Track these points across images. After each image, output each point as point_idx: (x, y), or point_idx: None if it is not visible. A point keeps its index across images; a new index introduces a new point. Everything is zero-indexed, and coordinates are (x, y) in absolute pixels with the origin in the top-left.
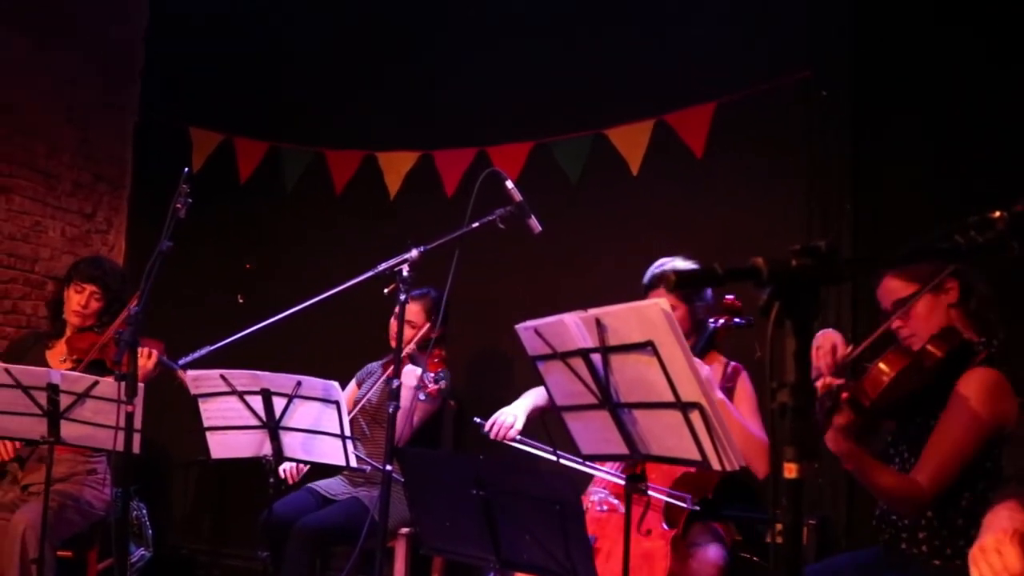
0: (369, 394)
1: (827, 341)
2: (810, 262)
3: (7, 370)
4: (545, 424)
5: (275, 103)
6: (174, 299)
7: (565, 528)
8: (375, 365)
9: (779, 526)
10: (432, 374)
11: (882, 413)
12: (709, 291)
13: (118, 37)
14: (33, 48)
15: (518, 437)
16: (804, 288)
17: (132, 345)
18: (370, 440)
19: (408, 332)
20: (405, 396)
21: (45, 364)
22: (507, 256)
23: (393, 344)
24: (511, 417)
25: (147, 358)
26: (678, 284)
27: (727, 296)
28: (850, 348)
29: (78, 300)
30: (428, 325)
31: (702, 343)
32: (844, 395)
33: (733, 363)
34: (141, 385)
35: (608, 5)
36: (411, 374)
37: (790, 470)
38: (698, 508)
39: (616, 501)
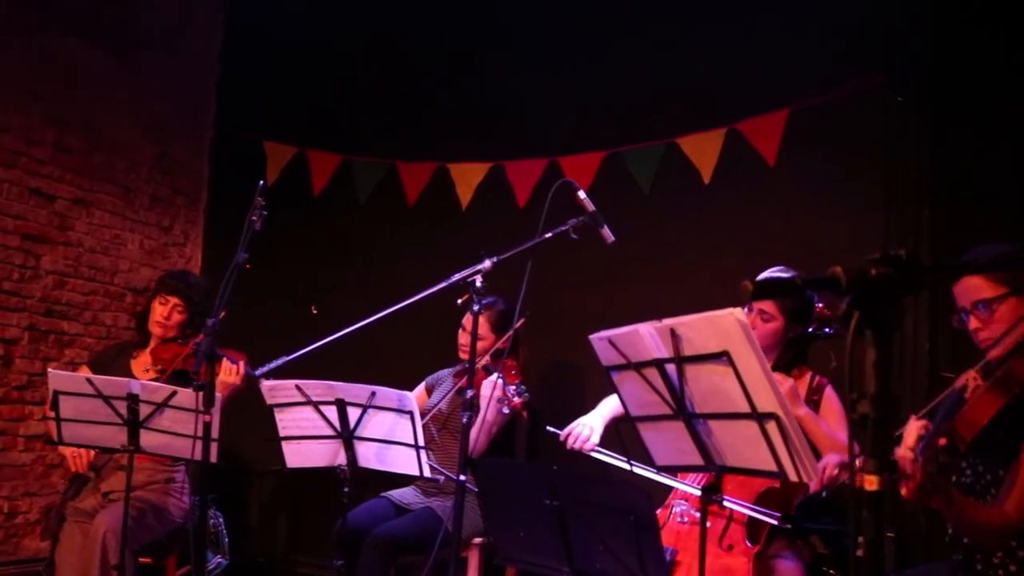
0: (440, 403)
1: (909, 437)
2: (890, 271)
3: (89, 380)
4: (620, 434)
5: (348, 116)
6: (249, 310)
7: (639, 538)
8: (445, 372)
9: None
10: (513, 386)
11: (972, 448)
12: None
13: (194, 52)
14: (112, 64)
15: (596, 448)
16: (884, 297)
17: (209, 356)
18: (440, 448)
19: (478, 343)
20: (485, 407)
21: (129, 374)
22: (579, 266)
23: (461, 355)
24: (587, 428)
25: (235, 374)
26: (755, 294)
27: (817, 305)
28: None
29: (161, 312)
30: (495, 336)
31: (790, 354)
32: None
33: (819, 377)
34: (220, 396)
35: (678, 13)
36: (492, 385)
37: (871, 482)
38: (788, 526)
39: (698, 514)
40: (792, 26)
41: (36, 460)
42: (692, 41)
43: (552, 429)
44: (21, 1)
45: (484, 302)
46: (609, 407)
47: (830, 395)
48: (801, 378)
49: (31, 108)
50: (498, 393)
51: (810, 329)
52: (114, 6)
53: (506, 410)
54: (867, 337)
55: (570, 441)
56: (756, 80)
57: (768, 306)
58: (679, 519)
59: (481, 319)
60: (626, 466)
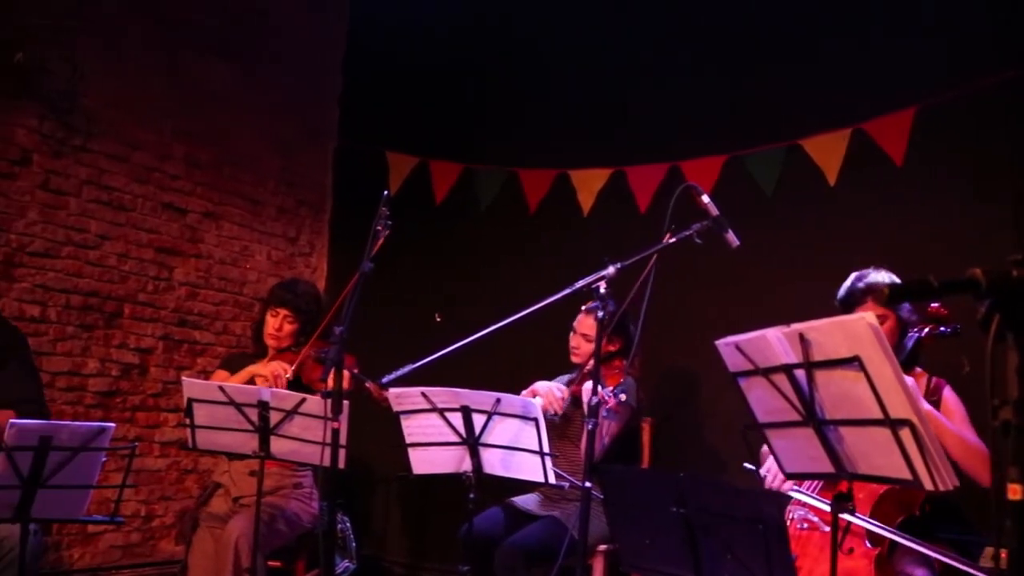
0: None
1: None
2: None
3: (221, 388)
4: (747, 442)
5: (469, 125)
6: (374, 318)
7: (768, 548)
8: (564, 379)
9: (993, 550)
10: (610, 388)
11: None
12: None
13: (317, 66)
14: (238, 80)
15: (794, 487)
16: None
17: (337, 364)
18: (560, 454)
19: (588, 346)
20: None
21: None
22: (702, 271)
23: (573, 359)
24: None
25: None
26: (891, 298)
27: (931, 304)
28: None
29: (273, 324)
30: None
31: (904, 356)
32: None
33: (935, 378)
34: (346, 402)
35: (800, 13)
36: (589, 391)
37: (1015, 491)
38: (899, 538)
39: (817, 519)
40: (918, 21)
41: (171, 465)
42: (814, 41)
43: (749, 466)
44: (152, 21)
45: (588, 306)
46: None
47: (949, 396)
48: (918, 380)
49: (162, 124)
50: (591, 398)
51: (926, 330)
52: (241, 24)
53: (604, 413)
54: (1008, 341)
55: (769, 479)
56: (881, 79)
57: (881, 310)
58: (799, 525)
59: (591, 321)
60: (825, 507)
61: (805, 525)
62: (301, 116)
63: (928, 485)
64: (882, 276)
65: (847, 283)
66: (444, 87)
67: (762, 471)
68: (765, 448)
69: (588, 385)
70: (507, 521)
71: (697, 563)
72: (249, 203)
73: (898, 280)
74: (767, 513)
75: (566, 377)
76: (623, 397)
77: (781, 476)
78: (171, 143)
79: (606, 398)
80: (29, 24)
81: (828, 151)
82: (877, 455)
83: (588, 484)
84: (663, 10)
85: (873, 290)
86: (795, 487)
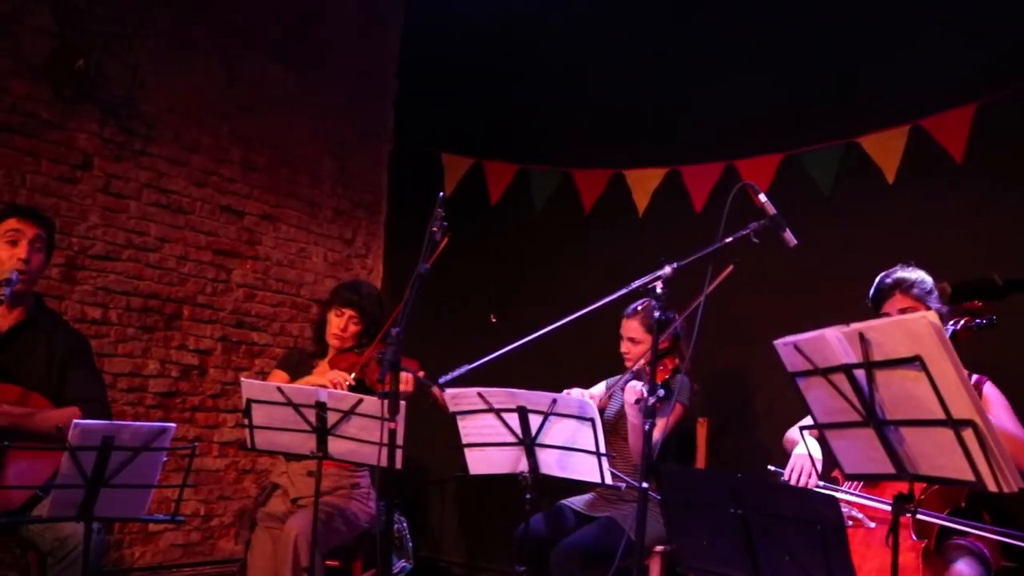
0: (607, 412)
1: None
2: None
3: (280, 389)
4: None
5: (523, 126)
6: (430, 319)
7: (826, 550)
8: (611, 381)
9: None
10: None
11: None
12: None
13: (372, 69)
14: (294, 82)
15: (820, 484)
16: None
17: (394, 365)
18: (615, 454)
19: (636, 349)
20: (631, 414)
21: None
22: (759, 270)
23: (627, 364)
24: (808, 460)
25: (407, 382)
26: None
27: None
28: None
29: (337, 324)
30: (651, 338)
31: None
32: None
33: (976, 375)
34: (402, 403)
35: (856, 8)
36: (631, 391)
37: None
38: (947, 523)
39: (861, 516)
40: (978, 16)
41: (229, 465)
42: (871, 37)
43: (773, 468)
44: (209, 27)
45: (633, 306)
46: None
47: (990, 391)
48: None
49: (219, 128)
50: (634, 396)
51: (961, 323)
52: (296, 28)
53: (640, 409)
54: None
55: (794, 477)
56: (940, 75)
57: (910, 301)
58: (846, 522)
59: (635, 323)
60: (885, 507)
61: (850, 523)
62: (356, 118)
63: (992, 487)
64: (908, 271)
65: (875, 283)
66: (498, 88)
67: (785, 473)
68: (789, 435)
69: (633, 384)
70: (563, 522)
71: (755, 564)
72: (305, 205)
73: (927, 276)
74: (824, 514)
75: (613, 380)
76: (661, 393)
77: (806, 471)
78: (228, 146)
79: (645, 396)
80: (90, 31)
81: (887, 149)
82: (939, 456)
83: (645, 485)
84: (718, 10)
85: (901, 284)
86: (824, 485)
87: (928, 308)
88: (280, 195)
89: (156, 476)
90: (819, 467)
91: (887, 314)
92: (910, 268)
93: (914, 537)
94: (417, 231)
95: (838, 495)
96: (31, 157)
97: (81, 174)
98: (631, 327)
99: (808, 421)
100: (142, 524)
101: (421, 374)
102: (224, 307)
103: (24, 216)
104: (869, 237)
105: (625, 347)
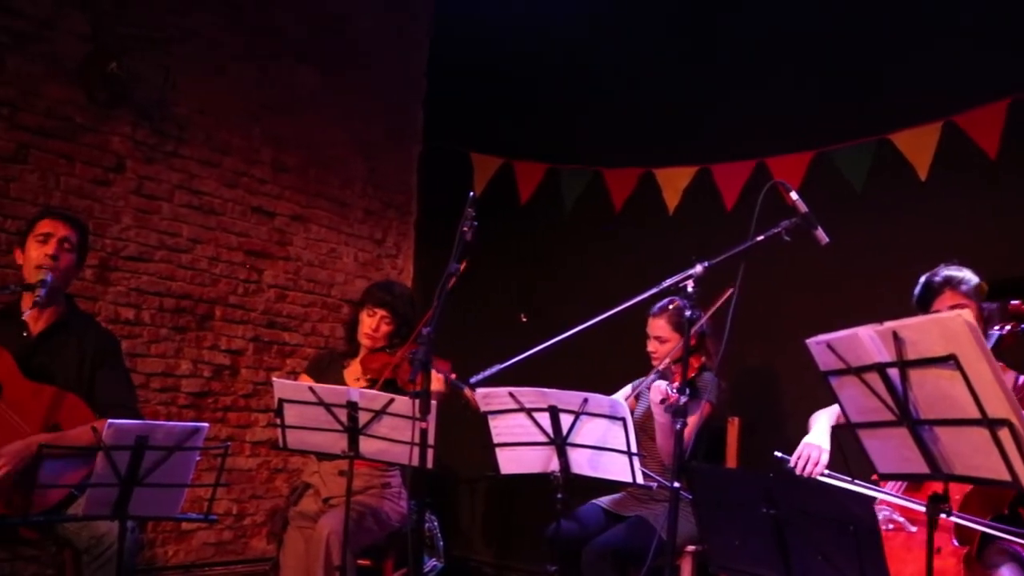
0: (635, 412)
1: None
2: None
3: (311, 388)
4: (839, 442)
5: (552, 125)
6: (460, 319)
7: (860, 551)
8: (638, 382)
9: None
10: (675, 384)
11: None
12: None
13: (402, 69)
14: (323, 82)
15: (826, 472)
16: None
17: (425, 365)
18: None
19: (662, 348)
20: (657, 413)
21: (342, 383)
22: (790, 269)
23: (655, 364)
24: (816, 450)
25: (440, 382)
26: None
27: (1012, 301)
28: None
29: (370, 324)
30: (678, 336)
31: None
32: None
33: (1022, 376)
34: (434, 403)
35: (887, 5)
36: (656, 390)
37: None
38: (989, 530)
39: (902, 519)
40: (1010, 12)
41: (261, 465)
42: (902, 30)
43: (780, 455)
44: (240, 29)
45: (659, 304)
46: (825, 423)
47: None
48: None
49: (250, 130)
50: (659, 395)
51: (1007, 327)
52: (326, 30)
53: (665, 409)
54: None
55: (800, 465)
56: (973, 70)
57: (961, 299)
58: (884, 526)
59: (662, 322)
60: (919, 507)
61: (891, 526)
62: (386, 119)
63: None
64: (955, 270)
65: (921, 280)
66: (527, 87)
67: (792, 460)
68: (811, 420)
69: (658, 383)
70: (594, 521)
71: (787, 564)
72: (336, 205)
73: (973, 274)
74: (858, 515)
75: (638, 381)
76: (687, 392)
77: (813, 460)
78: (259, 148)
79: (669, 394)
80: (122, 35)
81: (919, 145)
82: (974, 455)
83: (677, 484)
84: (749, 10)
85: (951, 282)
86: (826, 472)
87: (979, 305)
88: (311, 195)
89: (189, 475)
90: (827, 456)
91: (938, 312)
92: (955, 266)
93: (956, 543)
94: (447, 231)
95: (875, 494)
96: (65, 160)
97: (114, 176)
98: (657, 326)
99: (835, 409)
100: (175, 523)
101: (452, 376)
102: (256, 307)
103: (56, 217)
104: (902, 235)
105: (652, 346)
